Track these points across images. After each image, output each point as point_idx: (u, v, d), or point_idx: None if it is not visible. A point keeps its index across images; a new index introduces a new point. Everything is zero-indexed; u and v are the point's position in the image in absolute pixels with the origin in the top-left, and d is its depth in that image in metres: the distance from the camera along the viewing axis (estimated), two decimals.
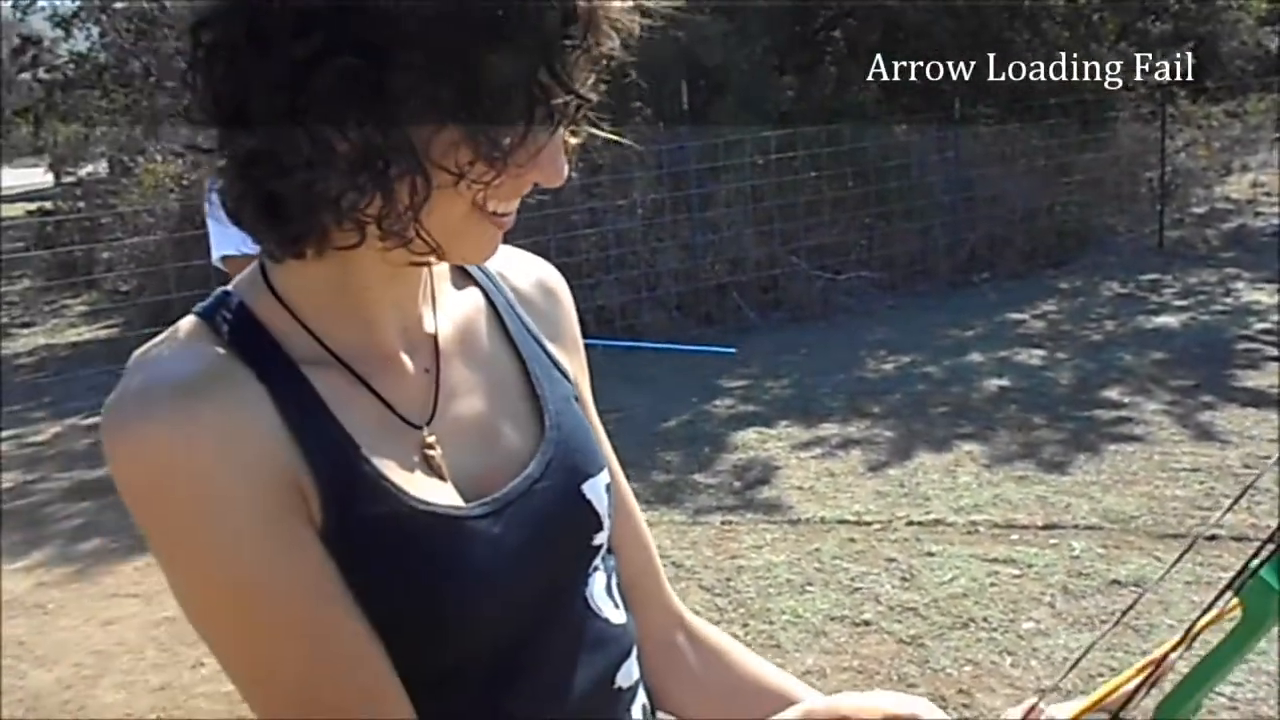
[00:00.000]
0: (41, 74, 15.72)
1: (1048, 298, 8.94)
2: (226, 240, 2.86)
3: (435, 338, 0.93)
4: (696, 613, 1.12)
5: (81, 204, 13.39)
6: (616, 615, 0.98)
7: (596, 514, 0.95)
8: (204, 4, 0.77)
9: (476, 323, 0.97)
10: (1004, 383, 6.66)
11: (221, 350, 0.82)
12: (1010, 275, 9.74)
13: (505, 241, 0.91)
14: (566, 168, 0.83)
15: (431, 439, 0.89)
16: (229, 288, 0.88)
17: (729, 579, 4.32)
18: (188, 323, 0.85)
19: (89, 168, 15.80)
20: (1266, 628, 0.81)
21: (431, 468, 0.88)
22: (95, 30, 14.86)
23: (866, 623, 3.87)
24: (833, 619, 3.92)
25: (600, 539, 0.96)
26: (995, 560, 4.27)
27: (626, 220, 8.89)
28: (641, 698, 1.00)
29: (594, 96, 0.80)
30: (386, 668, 0.82)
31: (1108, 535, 4.42)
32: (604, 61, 0.79)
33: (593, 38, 0.76)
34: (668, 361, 7.68)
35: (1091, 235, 10.64)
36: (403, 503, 0.83)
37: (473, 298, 0.99)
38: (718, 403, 6.81)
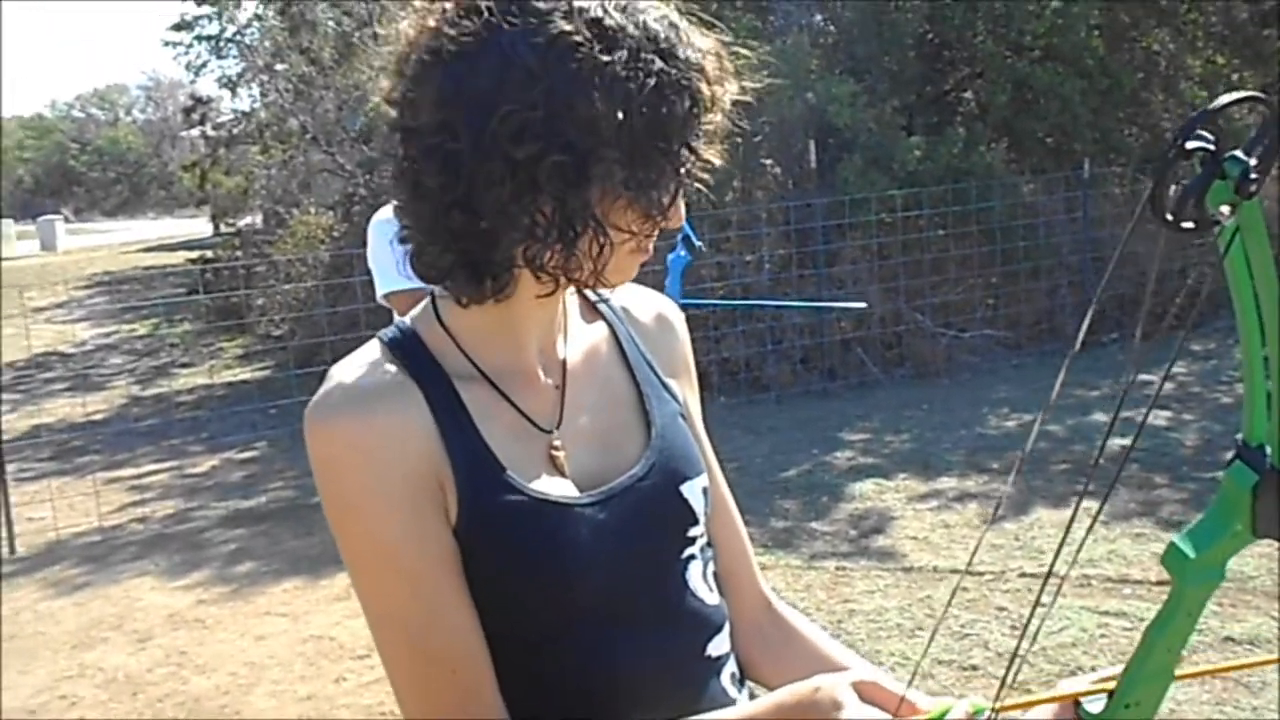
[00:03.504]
0: (208, 130, 16.79)
1: (1178, 360, 8.84)
2: (390, 279, 3.15)
3: (564, 361, 1.16)
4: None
5: (239, 253, 14.21)
6: (711, 597, 1.18)
7: (692, 510, 1.16)
8: (414, 121, 1.01)
9: (600, 349, 1.20)
10: (1126, 442, 6.64)
11: (395, 369, 1.07)
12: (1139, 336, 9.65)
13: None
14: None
15: (558, 442, 1.12)
16: (405, 321, 1.13)
17: (840, 621, 4.46)
18: (374, 346, 1.10)
19: (247, 219, 16.76)
20: (1188, 590, 0.97)
21: (555, 466, 1.11)
22: (257, 90, 15.84)
23: (974, 667, 3.98)
24: (940, 663, 4.03)
25: (695, 531, 1.17)
26: (1107, 613, 4.33)
27: (754, 275, 9.09)
28: (731, 667, 1.19)
29: (716, 160, 1.06)
30: (481, 643, 1.04)
31: (1224, 594, 4.43)
32: (715, 134, 1.05)
33: (712, 117, 1.03)
34: (789, 413, 7.85)
35: (1227, 298, 10.40)
36: (525, 494, 1.06)
37: (599, 329, 1.22)
38: (837, 455, 6.95)
